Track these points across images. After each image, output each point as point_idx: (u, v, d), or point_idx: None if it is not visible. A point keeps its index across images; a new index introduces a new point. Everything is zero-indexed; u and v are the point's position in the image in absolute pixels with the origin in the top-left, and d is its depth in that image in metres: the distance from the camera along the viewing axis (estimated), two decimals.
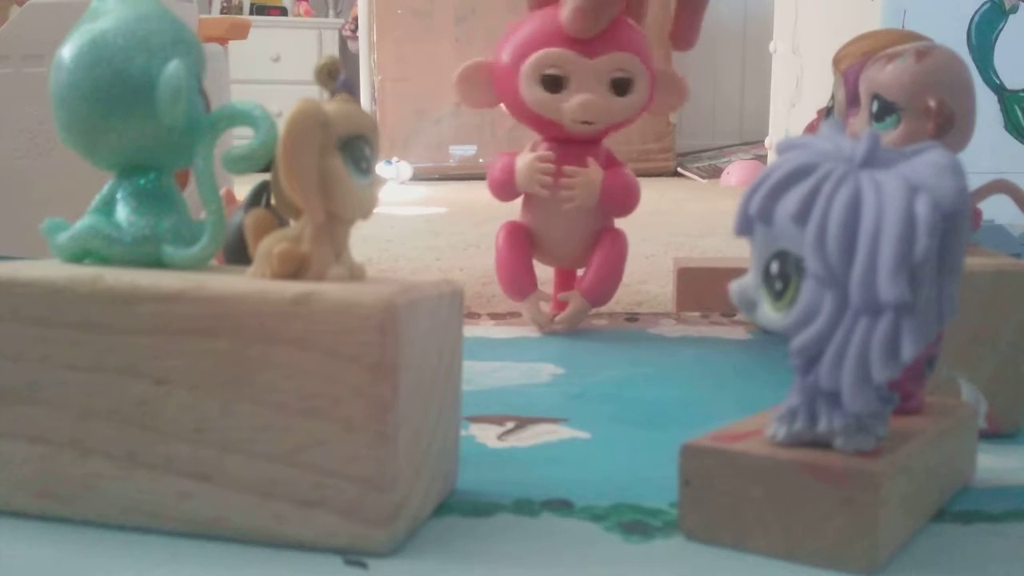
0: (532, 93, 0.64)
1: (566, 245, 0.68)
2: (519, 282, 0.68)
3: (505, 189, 0.68)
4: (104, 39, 0.35)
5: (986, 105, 1.31)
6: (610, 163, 0.68)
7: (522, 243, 0.68)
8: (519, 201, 0.70)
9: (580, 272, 0.70)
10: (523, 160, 0.67)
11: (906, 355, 0.29)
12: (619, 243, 0.68)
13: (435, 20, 2.58)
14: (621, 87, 0.65)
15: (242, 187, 0.45)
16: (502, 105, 0.68)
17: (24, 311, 0.33)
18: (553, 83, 0.64)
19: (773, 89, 1.82)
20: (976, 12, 1.33)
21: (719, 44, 2.98)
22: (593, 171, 0.66)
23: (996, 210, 0.56)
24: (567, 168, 0.66)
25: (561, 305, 0.69)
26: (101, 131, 0.36)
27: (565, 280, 0.72)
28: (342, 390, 0.31)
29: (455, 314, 0.36)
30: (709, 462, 0.32)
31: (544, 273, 0.70)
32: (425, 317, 0.33)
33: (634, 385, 0.55)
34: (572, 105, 0.64)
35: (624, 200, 0.68)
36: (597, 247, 0.68)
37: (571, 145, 0.66)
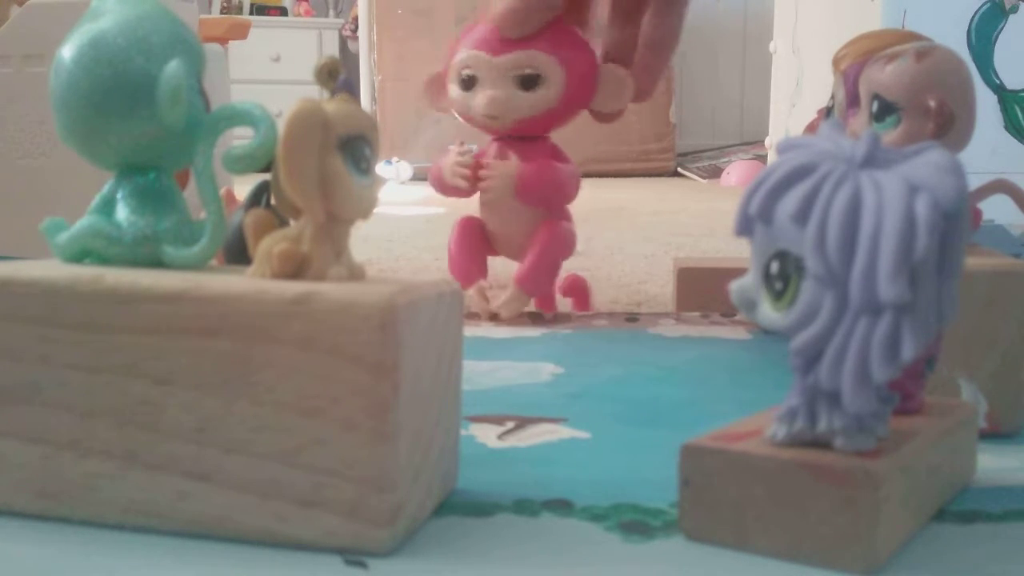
0: (454, 94, 0.70)
1: (513, 238, 0.72)
2: (465, 271, 0.72)
3: (440, 184, 0.73)
4: (104, 39, 0.35)
5: (986, 105, 1.31)
6: (537, 155, 0.71)
7: (471, 235, 0.72)
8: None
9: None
10: (448, 157, 0.72)
11: (906, 355, 0.29)
12: (555, 235, 0.70)
13: (435, 20, 2.58)
14: (528, 83, 0.68)
15: (242, 187, 0.45)
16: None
17: (24, 311, 0.33)
18: (467, 83, 0.69)
19: (773, 89, 1.82)
20: (976, 12, 1.33)
21: (719, 44, 2.98)
22: (508, 163, 0.70)
23: (996, 210, 0.56)
24: (483, 161, 0.70)
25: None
26: (101, 131, 0.36)
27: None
28: (342, 390, 0.31)
29: (455, 314, 0.36)
30: (709, 462, 0.32)
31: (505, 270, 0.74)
32: (425, 317, 0.33)
33: (634, 385, 0.55)
34: (477, 101, 0.68)
35: (544, 191, 0.70)
36: (534, 239, 0.71)
37: (514, 142, 0.71)
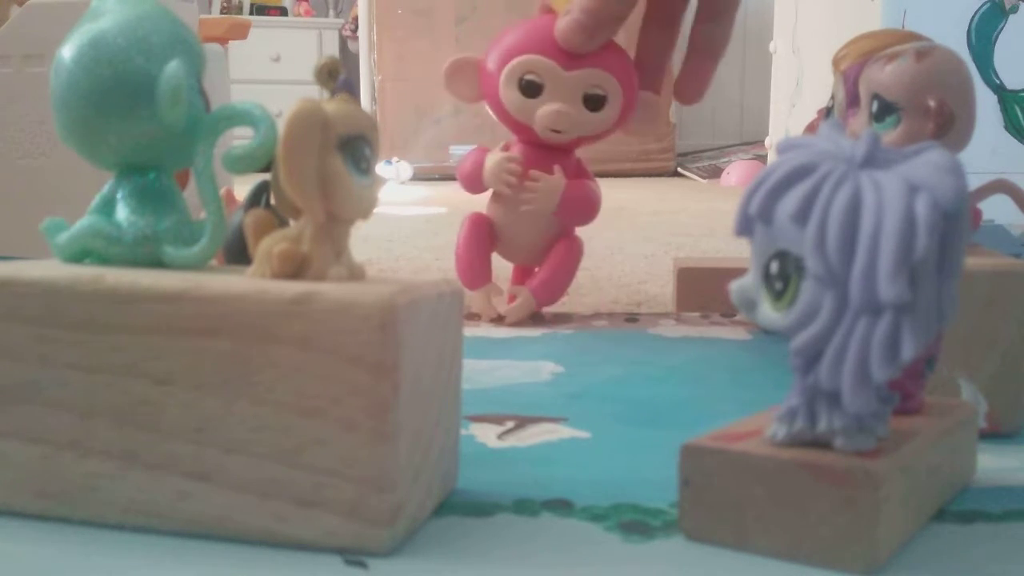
0: (510, 95, 0.67)
1: (524, 244, 0.71)
2: (473, 272, 0.71)
3: (473, 182, 0.71)
4: (104, 39, 0.35)
5: (986, 105, 1.31)
6: (579, 173, 0.71)
7: (482, 235, 0.71)
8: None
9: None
10: (492, 158, 0.69)
11: (906, 355, 0.29)
12: (573, 250, 0.71)
13: (435, 20, 2.58)
14: (594, 103, 0.67)
15: (242, 187, 0.45)
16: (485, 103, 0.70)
17: (24, 311, 0.33)
18: (530, 89, 0.67)
19: (773, 89, 1.82)
20: (976, 12, 1.33)
21: None
22: (556, 179, 0.68)
23: (996, 210, 0.56)
24: (532, 172, 0.68)
25: (513, 299, 0.72)
26: (101, 131, 0.36)
27: (522, 278, 0.74)
28: (342, 390, 0.31)
29: (455, 314, 0.36)
30: (709, 462, 0.32)
31: (503, 270, 0.73)
32: (425, 317, 0.33)
33: (634, 385, 0.55)
34: (544, 112, 0.66)
35: (582, 212, 0.70)
36: (552, 250, 0.71)
37: (543, 150, 0.69)
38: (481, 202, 0.72)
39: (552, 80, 0.66)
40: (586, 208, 0.70)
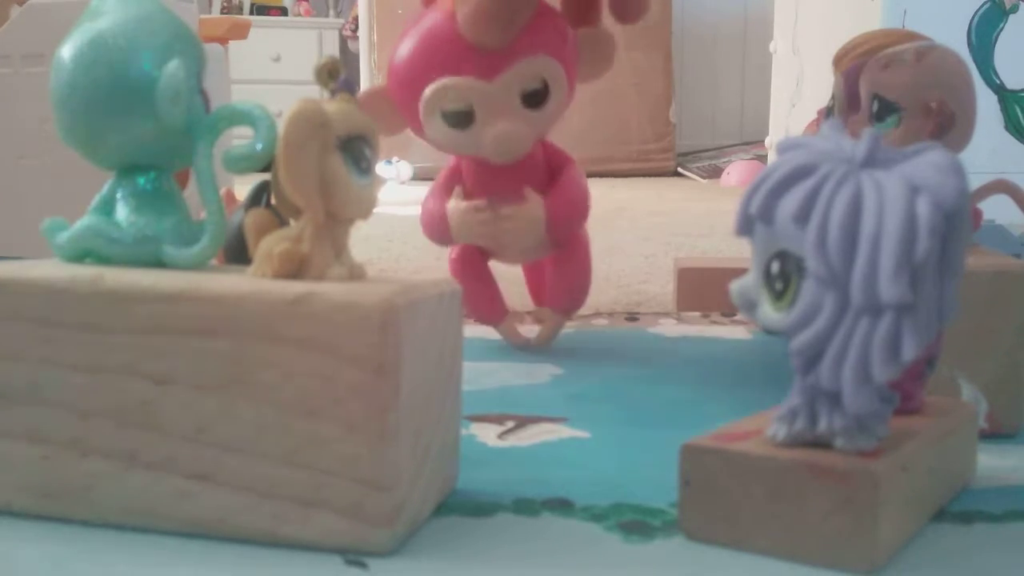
0: (439, 133, 0.56)
1: (523, 254, 0.63)
2: (488, 311, 0.63)
3: (443, 237, 0.61)
4: (104, 39, 0.35)
5: (986, 105, 1.31)
6: (551, 164, 0.60)
7: (477, 268, 0.62)
8: None
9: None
10: (456, 212, 0.59)
11: (907, 355, 0.29)
12: (580, 245, 0.61)
13: None
14: (536, 99, 0.56)
15: (242, 187, 0.45)
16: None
17: (24, 311, 0.33)
18: (457, 119, 0.55)
19: (773, 89, 1.82)
20: (976, 12, 1.33)
21: (719, 44, 2.98)
22: (532, 206, 0.58)
23: (996, 210, 0.56)
24: (504, 212, 0.58)
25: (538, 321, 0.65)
26: (101, 131, 0.36)
27: (535, 278, 0.68)
28: (342, 390, 0.31)
29: (455, 314, 0.36)
30: (709, 462, 0.32)
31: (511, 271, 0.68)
32: (425, 317, 0.33)
33: (634, 385, 0.55)
34: (490, 142, 0.55)
35: (573, 219, 0.60)
36: (558, 256, 0.61)
37: (501, 177, 0.58)
38: None
39: (479, 99, 0.55)
40: (578, 210, 0.60)
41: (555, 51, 0.56)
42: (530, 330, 0.66)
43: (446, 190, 0.60)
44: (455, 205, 0.59)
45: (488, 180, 0.58)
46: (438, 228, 0.60)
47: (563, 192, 0.59)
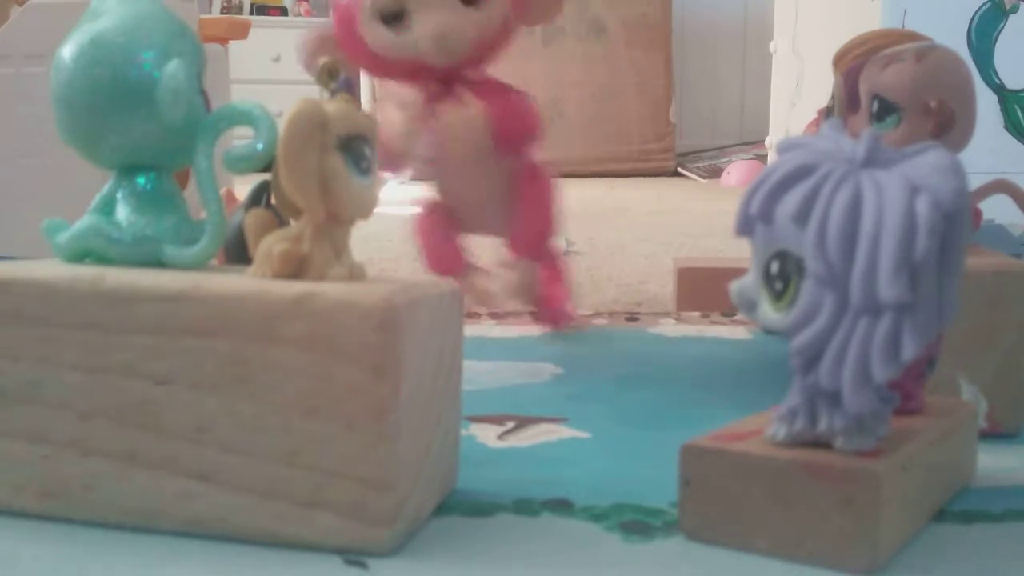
0: (377, 38, 0.55)
1: (482, 204, 0.60)
2: (444, 262, 0.61)
3: (391, 162, 0.58)
4: (104, 39, 0.35)
5: (986, 105, 1.31)
6: (497, 91, 0.58)
7: (440, 220, 0.60)
8: None
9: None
10: (393, 124, 0.57)
11: (906, 355, 0.29)
12: (540, 180, 0.59)
13: None
14: None
15: (242, 187, 0.45)
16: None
17: (24, 311, 0.33)
18: (394, 18, 0.55)
19: (773, 89, 1.82)
20: (976, 12, 1.33)
21: (719, 44, 2.98)
22: (471, 107, 0.56)
23: (996, 210, 0.56)
24: (438, 111, 0.56)
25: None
26: (101, 131, 0.36)
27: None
28: (342, 390, 0.31)
29: (455, 314, 0.36)
30: (709, 462, 0.32)
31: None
32: (425, 317, 0.33)
33: (634, 385, 0.55)
34: (425, 37, 0.54)
35: (520, 127, 0.57)
36: (517, 194, 0.58)
37: (442, 86, 0.57)
38: None
39: None
40: (523, 121, 0.57)
41: None
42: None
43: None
44: (393, 119, 0.58)
45: (434, 103, 0.57)
46: (387, 150, 0.56)
47: (504, 99, 0.57)
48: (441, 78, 0.56)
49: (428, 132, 0.56)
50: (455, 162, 0.57)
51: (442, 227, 0.61)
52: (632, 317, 0.75)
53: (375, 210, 0.35)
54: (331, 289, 0.31)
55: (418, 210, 0.61)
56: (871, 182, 0.30)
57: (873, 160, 0.31)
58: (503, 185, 0.58)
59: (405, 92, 0.58)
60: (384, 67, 0.57)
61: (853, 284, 0.29)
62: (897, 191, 0.29)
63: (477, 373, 0.56)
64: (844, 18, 1.48)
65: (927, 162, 0.30)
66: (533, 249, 0.60)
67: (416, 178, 0.61)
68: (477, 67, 0.58)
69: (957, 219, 0.30)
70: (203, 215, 0.36)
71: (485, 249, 0.64)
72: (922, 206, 0.29)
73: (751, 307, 0.32)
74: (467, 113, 0.56)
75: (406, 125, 0.57)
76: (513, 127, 0.57)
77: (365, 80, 2.58)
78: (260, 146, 0.34)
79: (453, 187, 0.59)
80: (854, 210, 0.29)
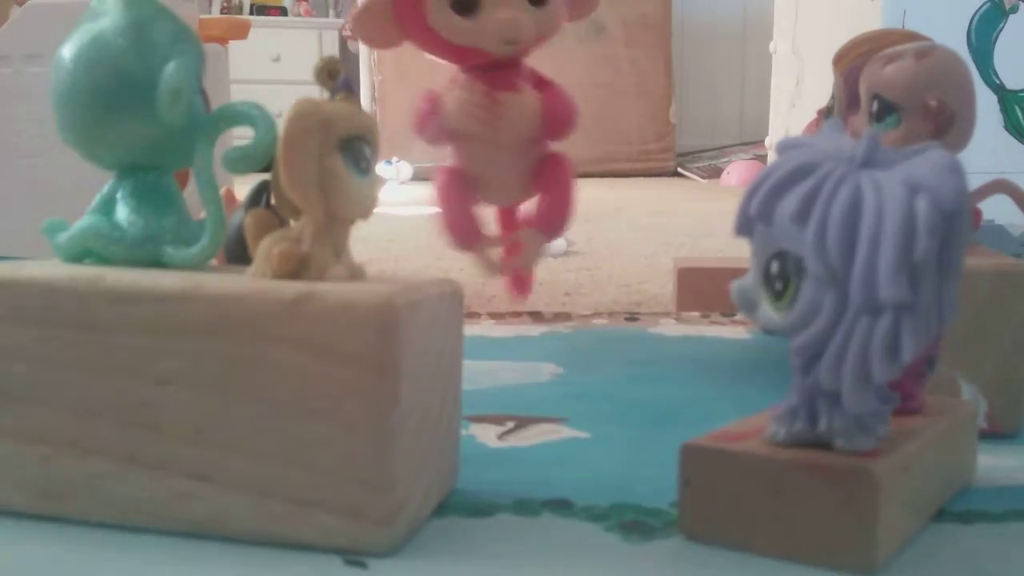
0: (445, 20, 0.58)
1: (508, 180, 0.63)
2: (464, 232, 0.62)
3: (431, 129, 0.61)
4: (104, 39, 0.35)
5: (986, 105, 1.31)
6: (540, 83, 0.62)
7: (463, 188, 0.62)
8: None
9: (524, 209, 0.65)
10: (453, 97, 0.60)
11: (906, 355, 0.29)
12: (564, 166, 0.63)
13: None
14: None
15: (242, 187, 0.45)
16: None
17: (24, 311, 0.33)
18: (466, 5, 0.57)
19: (773, 89, 1.82)
20: (976, 12, 1.33)
21: (719, 44, 2.98)
22: (528, 96, 0.60)
23: (996, 210, 0.56)
24: (501, 96, 0.59)
25: (513, 249, 0.64)
26: (101, 131, 0.36)
27: (506, 219, 0.68)
28: (342, 390, 0.31)
29: (455, 314, 0.36)
30: (709, 462, 0.32)
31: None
32: (425, 317, 0.33)
33: (634, 385, 0.55)
34: (498, 24, 0.57)
35: (567, 120, 0.61)
36: (541, 175, 0.62)
37: (495, 72, 0.60)
38: None
39: None
40: (570, 114, 0.61)
41: None
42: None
43: (436, 94, 0.62)
44: (452, 92, 0.60)
45: (489, 87, 0.60)
46: (429, 117, 0.61)
47: (554, 94, 0.61)
48: (497, 65, 0.59)
49: (487, 114, 0.59)
50: (506, 142, 0.60)
51: (463, 195, 0.62)
52: (632, 317, 0.75)
53: (375, 210, 0.34)
54: (331, 289, 0.31)
55: (440, 177, 0.63)
56: (871, 182, 0.30)
57: (873, 160, 0.31)
58: (529, 168, 0.62)
59: (455, 72, 0.61)
60: (442, 47, 0.59)
61: (853, 284, 0.29)
62: (897, 191, 0.29)
63: (477, 373, 0.56)
64: (844, 18, 1.48)
65: (927, 162, 0.30)
66: (552, 226, 0.63)
67: (454, 154, 0.63)
68: (524, 56, 0.61)
69: (957, 219, 0.30)
70: (203, 215, 0.36)
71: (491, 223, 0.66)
72: (922, 206, 0.29)
73: (751, 307, 0.32)
74: (525, 100, 0.59)
75: (467, 107, 0.59)
76: (562, 119, 0.61)
77: (365, 80, 2.58)
78: (259, 146, 0.34)
79: (485, 162, 0.62)
80: (854, 210, 0.29)
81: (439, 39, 0.59)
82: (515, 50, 0.59)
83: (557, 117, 0.61)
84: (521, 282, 0.69)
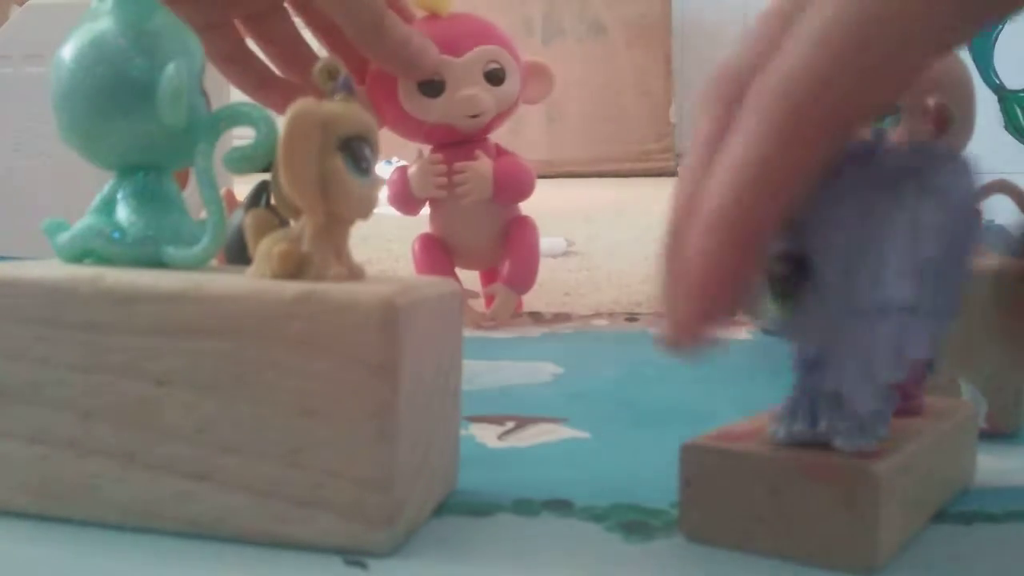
0: (416, 103, 0.68)
1: (477, 244, 0.72)
2: None
3: (404, 200, 0.71)
4: (104, 39, 0.35)
5: (986, 105, 1.30)
6: (501, 153, 0.71)
7: (437, 250, 0.72)
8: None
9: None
10: (414, 167, 0.70)
11: (913, 356, 0.29)
12: (527, 229, 0.71)
13: None
14: (495, 78, 0.68)
15: (242, 187, 0.45)
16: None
17: (24, 311, 0.33)
18: (432, 88, 0.67)
19: None
20: None
21: (719, 44, 2.98)
22: (482, 163, 0.69)
23: (996, 210, 0.56)
24: (457, 164, 0.69)
25: (491, 299, 0.72)
26: (101, 131, 0.36)
27: (490, 280, 0.75)
28: (342, 390, 0.31)
29: (455, 314, 0.36)
30: (709, 462, 0.32)
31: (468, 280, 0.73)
32: (425, 317, 0.33)
33: (634, 385, 0.55)
34: (460, 100, 0.67)
35: (518, 186, 0.71)
36: (508, 239, 0.71)
37: (459, 147, 0.70)
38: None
39: (449, 72, 0.67)
40: (521, 180, 0.70)
41: (507, 47, 0.70)
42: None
43: (407, 167, 0.72)
44: (413, 165, 0.71)
45: (452, 160, 0.70)
46: (401, 189, 0.71)
47: (508, 162, 0.71)
48: (461, 140, 0.70)
49: (443, 179, 0.69)
50: (465, 207, 0.69)
51: (437, 255, 0.72)
52: (632, 317, 0.75)
53: (375, 210, 0.34)
54: (331, 289, 0.31)
55: (417, 244, 0.72)
56: (877, 181, 0.30)
57: (879, 159, 0.30)
58: (497, 231, 0.71)
59: (425, 148, 0.72)
60: (415, 129, 0.69)
61: (858, 284, 0.29)
62: (904, 189, 0.29)
63: (477, 373, 0.56)
64: None
65: (935, 160, 0.30)
66: (518, 282, 0.71)
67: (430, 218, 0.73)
68: (488, 132, 0.71)
69: (965, 219, 0.30)
70: (203, 215, 0.36)
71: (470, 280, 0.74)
72: (929, 205, 0.29)
73: (752, 307, 0.32)
74: (479, 168, 0.69)
75: (427, 176, 0.70)
76: (513, 186, 0.70)
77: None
78: (259, 146, 0.34)
79: (456, 227, 0.71)
80: (860, 209, 0.29)
81: (413, 121, 0.68)
82: (479, 124, 0.69)
83: (506, 182, 0.70)
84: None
